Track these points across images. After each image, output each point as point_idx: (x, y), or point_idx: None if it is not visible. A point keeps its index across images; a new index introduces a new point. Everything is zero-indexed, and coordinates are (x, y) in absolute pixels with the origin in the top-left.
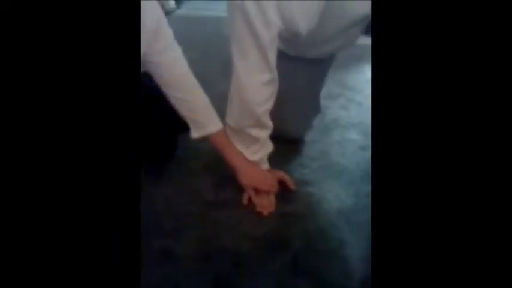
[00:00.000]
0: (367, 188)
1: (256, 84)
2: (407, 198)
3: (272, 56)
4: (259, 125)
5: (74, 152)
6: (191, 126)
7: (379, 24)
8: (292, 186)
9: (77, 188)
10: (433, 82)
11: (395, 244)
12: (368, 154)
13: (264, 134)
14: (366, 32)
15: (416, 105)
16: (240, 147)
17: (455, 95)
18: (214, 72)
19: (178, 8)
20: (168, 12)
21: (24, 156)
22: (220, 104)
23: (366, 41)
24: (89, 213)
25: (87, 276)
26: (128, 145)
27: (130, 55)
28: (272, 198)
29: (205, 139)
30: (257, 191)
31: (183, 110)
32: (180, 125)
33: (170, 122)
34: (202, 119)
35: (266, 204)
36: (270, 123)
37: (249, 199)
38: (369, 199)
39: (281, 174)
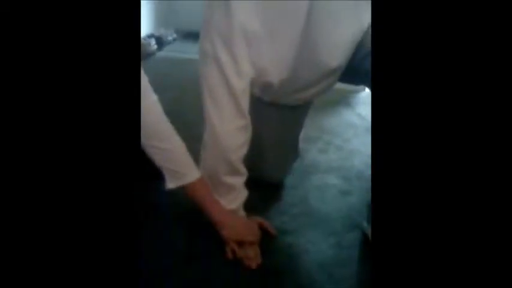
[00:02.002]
0: (349, 237)
1: (230, 130)
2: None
3: (245, 103)
4: (234, 172)
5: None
6: (166, 176)
7: (380, 26)
8: (273, 233)
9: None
10: (434, 88)
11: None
12: (349, 199)
13: (239, 181)
14: (341, 80)
15: (415, 113)
16: (216, 196)
17: (453, 103)
18: (192, 112)
19: (159, 50)
20: (150, 54)
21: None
22: (197, 145)
23: (342, 85)
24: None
25: None
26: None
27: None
28: (257, 249)
29: (181, 188)
30: (241, 243)
31: (158, 158)
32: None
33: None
34: (178, 168)
35: (253, 256)
36: (244, 170)
37: (233, 252)
38: (352, 250)
39: (261, 221)
